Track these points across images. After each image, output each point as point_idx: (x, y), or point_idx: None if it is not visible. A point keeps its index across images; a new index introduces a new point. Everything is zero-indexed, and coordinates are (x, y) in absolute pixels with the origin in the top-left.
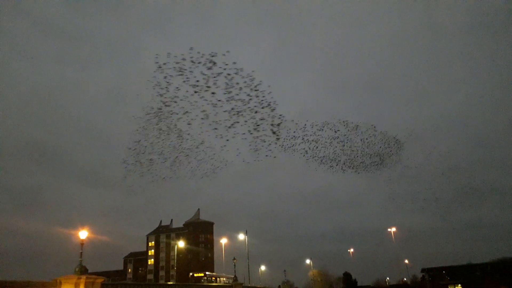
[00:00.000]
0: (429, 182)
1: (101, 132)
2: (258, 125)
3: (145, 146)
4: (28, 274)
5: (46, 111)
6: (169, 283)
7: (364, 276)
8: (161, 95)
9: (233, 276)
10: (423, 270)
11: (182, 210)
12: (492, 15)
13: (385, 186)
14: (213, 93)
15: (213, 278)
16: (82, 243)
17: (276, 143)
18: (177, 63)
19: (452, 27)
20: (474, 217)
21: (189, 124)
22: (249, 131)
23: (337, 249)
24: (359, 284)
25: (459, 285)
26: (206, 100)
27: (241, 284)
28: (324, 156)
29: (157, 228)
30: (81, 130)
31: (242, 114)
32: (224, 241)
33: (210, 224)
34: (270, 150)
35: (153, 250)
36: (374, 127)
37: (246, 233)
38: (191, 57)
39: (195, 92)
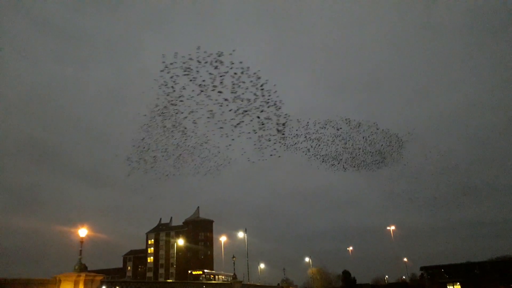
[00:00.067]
0: (429, 181)
1: (100, 131)
2: (263, 124)
3: (149, 144)
4: (28, 272)
5: (46, 110)
6: (169, 280)
7: (363, 274)
8: (167, 94)
9: (232, 274)
10: (422, 268)
11: (181, 208)
12: (492, 15)
13: (385, 185)
14: (219, 92)
15: (212, 276)
16: (81, 241)
17: (280, 142)
18: (184, 62)
19: (451, 27)
20: (473, 216)
21: (195, 123)
22: (254, 130)
23: (336, 247)
24: (358, 282)
25: (458, 283)
26: (212, 99)
27: (241, 282)
28: (325, 155)
29: (156, 226)
30: (80, 129)
31: (248, 113)
32: (223, 239)
33: (210, 222)
34: (275, 149)
35: (152, 248)
36: (376, 124)
37: (245, 231)
38: (198, 57)
39: (201, 91)
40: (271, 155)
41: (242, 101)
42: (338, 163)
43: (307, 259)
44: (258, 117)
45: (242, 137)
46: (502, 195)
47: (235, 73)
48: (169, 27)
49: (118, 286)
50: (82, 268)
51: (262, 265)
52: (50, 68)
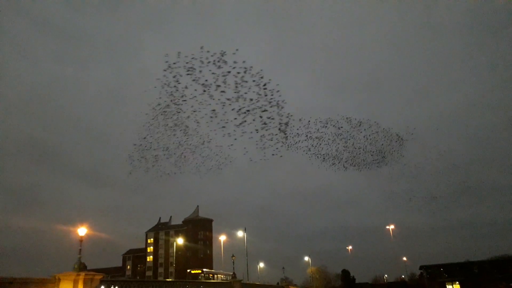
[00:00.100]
0: (428, 181)
1: (100, 131)
2: (265, 124)
3: (151, 142)
4: (27, 272)
5: (46, 110)
6: (168, 279)
7: (362, 274)
8: (170, 94)
9: (231, 273)
10: (421, 268)
11: (181, 207)
12: (492, 15)
13: (385, 185)
14: (222, 91)
15: (211, 275)
16: (81, 240)
17: (282, 142)
18: (187, 62)
19: (451, 27)
20: (472, 216)
21: (197, 122)
22: (257, 130)
23: (336, 246)
24: (357, 281)
25: (457, 282)
26: (214, 99)
27: (240, 281)
28: (326, 154)
29: (156, 225)
30: (80, 129)
31: (250, 113)
32: (223, 238)
33: (209, 222)
34: (277, 148)
35: (152, 247)
36: (377, 123)
37: (245, 230)
38: (201, 56)
39: (204, 91)
40: (272, 154)
41: (245, 100)
42: (339, 162)
43: (306, 258)
44: (261, 117)
45: (244, 137)
46: (502, 195)
47: (238, 73)
48: (169, 27)
49: (115, 285)
50: (82, 267)
51: (261, 264)
52: (50, 68)
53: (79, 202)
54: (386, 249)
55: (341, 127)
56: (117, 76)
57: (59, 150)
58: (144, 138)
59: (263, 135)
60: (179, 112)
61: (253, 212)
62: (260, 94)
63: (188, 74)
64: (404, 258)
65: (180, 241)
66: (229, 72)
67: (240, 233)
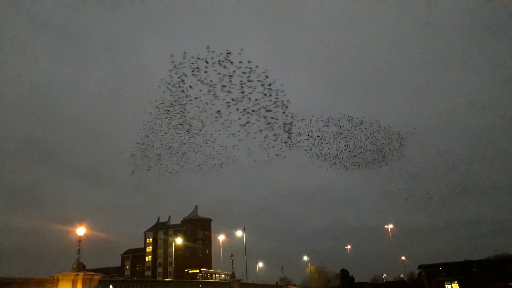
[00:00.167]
0: (426, 181)
1: (100, 131)
2: (268, 124)
3: (153, 141)
4: (25, 271)
5: (46, 110)
6: (167, 279)
7: (361, 273)
8: (175, 94)
9: (229, 273)
10: (419, 267)
11: (179, 207)
12: (492, 15)
13: (384, 185)
14: (228, 92)
15: (209, 274)
16: (79, 240)
17: (286, 143)
18: (192, 63)
19: (451, 26)
20: (471, 215)
21: (202, 122)
22: (260, 130)
23: (335, 246)
24: (356, 280)
25: (456, 281)
26: (218, 99)
27: (239, 280)
28: (327, 153)
29: (155, 225)
30: (80, 129)
31: (255, 113)
32: (222, 238)
33: (208, 221)
34: (281, 149)
35: (150, 247)
36: (379, 122)
37: (244, 230)
38: (206, 56)
39: (209, 91)
40: (276, 155)
41: (249, 100)
42: (339, 162)
43: (305, 258)
44: (265, 117)
45: (247, 137)
46: (501, 195)
47: (244, 73)
48: (169, 27)
49: (111, 285)
50: (80, 267)
51: (260, 264)
52: (50, 68)
53: (79, 202)
54: (385, 248)
55: (343, 125)
56: (117, 75)
57: (59, 150)
58: (147, 136)
59: (267, 135)
60: (183, 112)
61: (252, 212)
62: (265, 94)
63: (193, 75)
64: (403, 258)
65: (179, 240)
66: (234, 71)
67: (239, 233)
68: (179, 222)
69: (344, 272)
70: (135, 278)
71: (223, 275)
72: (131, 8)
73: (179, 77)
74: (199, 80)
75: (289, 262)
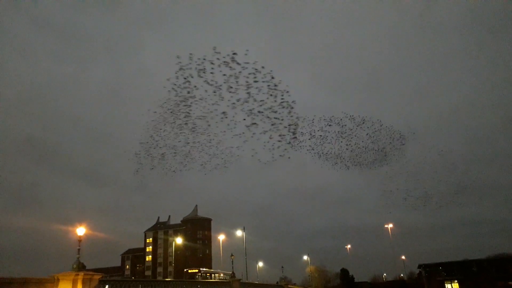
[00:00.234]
0: (426, 180)
1: (100, 131)
2: (273, 124)
3: (157, 141)
4: (25, 271)
5: (45, 109)
6: (167, 279)
7: (361, 272)
8: (180, 94)
9: (229, 272)
10: (419, 266)
11: (179, 207)
12: (492, 15)
13: (384, 184)
14: (232, 92)
15: (208, 274)
16: (79, 240)
17: (290, 143)
18: (198, 64)
19: (451, 26)
20: (470, 214)
21: (207, 122)
22: (265, 131)
23: (335, 245)
24: (356, 280)
25: (456, 281)
26: (224, 100)
27: (239, 280)
28: (329, 153)
29: (154, 225)
30: (80, 129)
31: (260, 114)
32: (221, 237)
33: (208, 221)
34: (285, 149)
35: (151, 247)
36: (380, 121)
37: (243, 229)
38: (212, 58)
39: (214, 92)
40: (280, 155)
41: (255, 101)
42: (341, 162)
43: (305, 257)
44: (268, 117)
45: (252, 137)
46: (501, 194)
47: (250, 74)
48: (169, 27)
49: (108, 284)
50: (80, 267)
51: (260, 264)
52: (50, 67)
53: (79, 201)
54: (385, 248)
55: (345, 125)
56: (117, 75)
57: (59, 150)
58: (151, 136)
59: (271, 136)
60: (188, 112)
61: (252, 212)
62: (271, 95)
63: (200, 77)
64: (403, 257)
65: (179, 240)
66: (240, 72)
67: (239, 233)
68: (179, 222)
69: (344, 272)
70: (132, 278)
71: (222, 275)
72: (131, 8)
73: (185, 78)
74: (205, 81)
75: (289, 261)
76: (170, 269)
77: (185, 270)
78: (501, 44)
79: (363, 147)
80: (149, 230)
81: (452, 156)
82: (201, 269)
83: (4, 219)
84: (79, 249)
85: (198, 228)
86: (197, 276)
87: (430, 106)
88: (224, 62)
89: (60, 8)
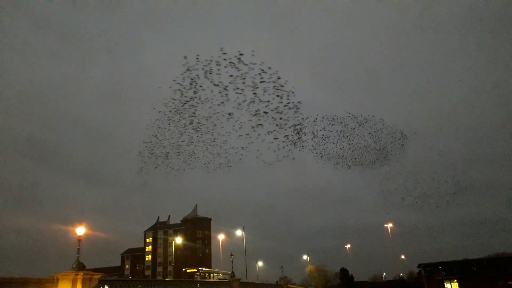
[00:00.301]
0: (425, 180)
1: (99, 130)
2: (277, 125)
3: (161, 140)
4: (25, 271)
5: (45, 109)
6: (167, 279)
7: (361, 272)
8: (185, 94)
9: (228, 272)
10: (419, 266)
11: (179, 206)
12: (491, 15)
13: (384, 184)
14: (238, 93)
15: (207, 274)
16: (79, 240)
17: (294, 143)
18: (205, 65)
19: (451, 25)
20: (470, 214)
21: (213, 122)
22: (269, 131)
23: (334, 245)
24: (356, 279)
25: (455, 280)
26: (228, 100)
27: (239, 280)
28: (330, 152)
29: (154, 225)
30: (79, 128)
31: (266, 115)
32: (221, 237)
33: (208, 221)
34: (290, 150)
35: (150, 246)
36: (383, 120)
37: (243, 229)
38: (218, 57)
39: (220, 92)
40: (284, 156)
41: (260, 101)
42: (343, 161)
43: (305, 257)
44: (273, 118)
45: (258, 138)
46: (500, 194)
47: (256, 74)
48: (169, 27)
49: (107, 285)
50: (80, 267)
51: (260, 263)
52: (49, 67)
53: (78, 201)
54: (385, 247)
55: (347, 124)
56: (116, 75)
57: (58, 150)
58: (155, 135)
59: (275, 136)
60: (194, 113)
61: (252, 211)
62: (278, 96)
63: (206, 78)
64: (403, 257)
65: (178, 240)
66: (246, 72)
67: (239, 232)
68: (179, 221)
69: (343, 271)
70: (130, 277)
71: (221, 274)
72: (131, 8)
73: (191, 79)
74: (212, 82)
75: (289, 261)
76: (170, 268)
77: (183, 269)
78: (501, 44)
79: (365, 146)
80: (149, 229)
81: (452, 156)
82: (199, 268)
83: (4, 219)
84: (78, 249)
85: (198, 228)
86: (195, 276)
87: (430, 106)
88: (230, 62)
89: (60, 8)
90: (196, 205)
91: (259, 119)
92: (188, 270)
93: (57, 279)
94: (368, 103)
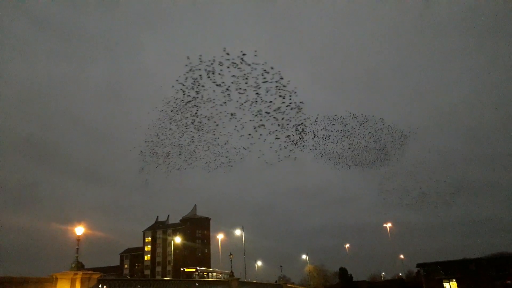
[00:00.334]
0: (424, 179)
1: (99, 130)
2: (279, 125)
3: (162, 140)
4: (24, 271)
5: (44, 108)
6: (165, 278)
7: (360, 271)
8: (187, 94)
9: (227, 271)
10: (418, 265)
11: (178, 206)
12: (491, 14)
13: (383, 184)
14: (241, 93)
15: (205, 273)
16: (78, 239)
17: (296, 143)
18: (208, 66)
19: (451, 25)
20: (469, 213)
21: (215, 122)
22: (271, 132)
23: (333, 244)
24: (354, 279)
25: (454, 280)
26: (232, 100)
27: (238, 279)
28: (330, 152)
29: (153, 224)
30: (79, 128)
31: (270, 115)
32: (220, 237)
33: (207, 220)
34: (291, 150)
35: (149, 246)
36: (383, 120)
37: (242, 229)
38: (221, 57)
39: (222, 92)
40: (285, 156)
41: (263, 102)
42: (343, 161)
43: (304, 256)
44: (275, 118)
45: (260, 139)
46: (498, 193)
47: (258, 74)
48: (169, 27)
49: (105, 284)
50: (79, 267)
51: (259, 263)
52: (49, 66)
53: (78, 201)
54: (384, 247)
55: (348, 123)
56: (116, 75)
57: (58, 149)
58: (157, 135)
59: (277, 136)
60: (197, 112)
61: (251, 211)
62: (281, 96)
63: (208, 78)
64: (401, 256)
65: (178, 239)
66: (249, 73)
67: (238, 232)
68: (178, 221)
69: (342, 271)
70: (128, 277)
71: (220, 274)
72: (131, 7)
73: (194, 79)
74: (214, 82)
75: (288, 260)
76: (169, 268)
77: (181, 269)
78: (500, 44)
79: (365, 146)
80: (148, 229)
81: (452, 155)
82: (198, 268)
83: (4, 219)
84: (77, 249)
85: (197, 227)
86: (194, 276)
87: (430, 106)
88: (233, 63)
89: (60, 7)
90: (195, 204)
91: (261, 119)
92: (186, 270)
93: (56, 279)
94: (368, 103)
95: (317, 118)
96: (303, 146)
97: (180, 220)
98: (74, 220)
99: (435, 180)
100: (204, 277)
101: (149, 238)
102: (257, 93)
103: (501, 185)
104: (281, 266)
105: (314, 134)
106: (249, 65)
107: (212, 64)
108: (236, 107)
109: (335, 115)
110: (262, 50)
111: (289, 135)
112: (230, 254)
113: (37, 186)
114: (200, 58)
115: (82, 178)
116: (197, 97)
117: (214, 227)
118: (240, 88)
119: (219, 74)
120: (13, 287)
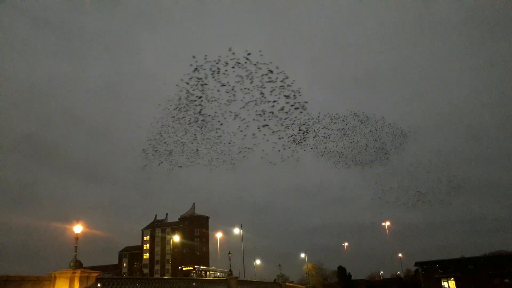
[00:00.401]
0: (423, 179)
1: (98, 129)
2: (282, 125)
3: (165, 138)
4: (23, 269)
5: (44, 107)
6: (164, 277)
7: (358, 270)
8: (191, 93)
9: (225, 270)
10: (416, 264)
11: (177, 204)
12: (491, 14)
13: (383, 184)
14: (246, 92)
15: (203, 272)
16: (76, 238)
17: (299, 143)
18: (213, 65)
19: (451, 25)
20: (467, 212)
21: (219, 121)
22: (273, 131)
23: (332, 243)
24: (353, 278)
25: (452, 278)
26: (236, 100)
27: (236, 278)
28: (331, 152)
29: (152, 223)
30: (78, 127)
31: (273, 114)
32: (219, 235)
33: (206, 219)
34: (294, 150)
35: (148, 245)
36: (384, 118)
37: (241, 227)
38: (226, 57)
39: (227, 92)
40: (288, 156)
41: (267, 101)
42: (343, 160)
43: (302, 255)
44: (280, 118)
45: (263, 139)
46: (498, 193)
47: (263, 75)
48: (168, 26)
49: (105, 282)
50: (78, 265)
51: (258, 261)
52: (48, 65)
53: (76, 199)
54: (382, 245)
55: (348, 122)
56: (116, 74)
57: (57, 148)
58: (159, 133)
59: (281, 136)
60: (200, 111)
61: (251, 209)
62: (286, 96)
63: (213, 77)
64: (400, 255)
65: (176, 238)
66: (252, 73)
67: (237, 230)
68: (176, 219)
69: (341, 269)
70: (124, 275)
71: (218, 273)
72: (130, 7)
73: (198, 79)
74: (219, 82)
75: (287, 259)
76: (168, 267)
77: (179, 267)
78: (500, 44)
79: (365, 145)
80: (146, 228)
81: (451, 155)
82: (195, 266)
83: (3, 217)
84: (76, 247)
85: (195, 226)
86: (191, 274)
87: (430, 106)
88: (237, 63)
89: (59, 7)
90: (194, 203)
91: (264, 119)
92: (184, 268)
93: (55, 277)
94: (368, 103)
95: (318, 117)
96: (305, 145)
97: (179, 219)
98: (73, 219)
99: (434, 179)
100: (201, 276)
101: (148, 236)
102: (261, 93)
103: (500, 184)
104: (279, 265)
105: (316, 133)
106: (254, 64)
107: (217, 63)
108: (241, 108)
109: (336, 114)
110: (263, 50)
111: (293, 135)
112: (229, 253)
113: (37, 185)
114: (205, 58)
115: (81, 177)
116: (202, 96)
117: (212, 226)
118: (245, 88)
119: (222, 74)
120: (11, 285)
